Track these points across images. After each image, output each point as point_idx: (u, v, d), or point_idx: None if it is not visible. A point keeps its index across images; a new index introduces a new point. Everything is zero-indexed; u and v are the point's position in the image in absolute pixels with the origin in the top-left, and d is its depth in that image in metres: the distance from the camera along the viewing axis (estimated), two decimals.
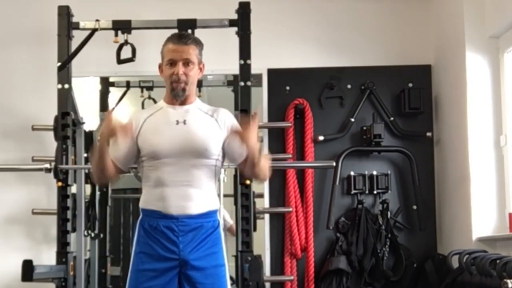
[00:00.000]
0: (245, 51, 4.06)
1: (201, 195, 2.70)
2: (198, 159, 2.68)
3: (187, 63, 2.71)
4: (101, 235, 4.79)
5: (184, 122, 2.72)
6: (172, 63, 2.71)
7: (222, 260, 2.73)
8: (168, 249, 2.66)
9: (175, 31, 3.97)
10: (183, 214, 2.67)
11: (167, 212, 2.66)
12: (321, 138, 4.64)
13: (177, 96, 2.73)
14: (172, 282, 2.66)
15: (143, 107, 5.06)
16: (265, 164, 2.71)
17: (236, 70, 4.10)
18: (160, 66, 2.80)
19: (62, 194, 3.98)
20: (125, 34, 4.08)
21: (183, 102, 2.76)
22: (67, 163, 3.98)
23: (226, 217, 4.87)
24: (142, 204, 2.74)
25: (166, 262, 2.66)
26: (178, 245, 2.66)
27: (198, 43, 2.77)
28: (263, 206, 4.56)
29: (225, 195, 4.06)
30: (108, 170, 2.69)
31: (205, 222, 2.71)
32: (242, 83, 4.04)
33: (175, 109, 2.75)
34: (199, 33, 3.94)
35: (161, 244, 2.66)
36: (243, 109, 4.00)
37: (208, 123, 2.75)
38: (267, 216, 4.63)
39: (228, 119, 2.79)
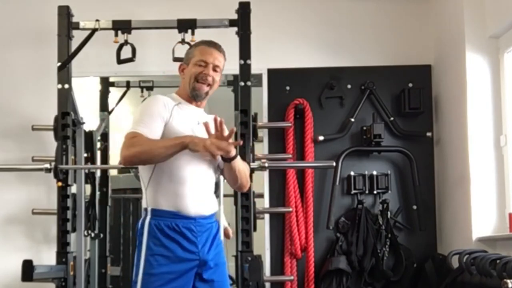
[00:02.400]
0: (245, 51, 4.06)
1: (210, 196, 2.76)
2: (211, 161, 2.70)
3: (216, 69, 2.77)
4: (101, 235, 4.79)
5: (198, 123, 2.74)
6: (204, 64, 2.75)
7: (225, 258, 2.80)
8: (188, 250, 2.65)
9: (175, 31, 4.02)
10: (199, 215, 2.68)
11: (185, 213, 2.65)
12: (321, 138, 4.64)
13: (197, 97, 2.76)
14: (189, 283, 2.65)
15: None
16: (243, 169, 2.76)
17: (236, 70, 4.09)
18: (181, 66, 2.82)
19: (62, 194, 3.98)
20: (125, 34, 4.08)
21: (199, 104, 2.81)
22: (67, 163, 3.97)
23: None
24: (152, 204, 2.68)
25: (185, 263, 2.64)
26: (198, 246, 2.66)
27: (225, 58, 2.84)
28: (263, 206, 4.55)
29: (225, 195, 4.04)
30: None
31: (213, 222, 2.76)
32: (242, 83, 4.04)
33: (192, 109, 2.79)
34: (199, 33, 3.95)
35: (180, 245, 2.64)
36: (243, 109, 4.00)
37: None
38: (267, 216, 4.63)
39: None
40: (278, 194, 4.68)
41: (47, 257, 4.35)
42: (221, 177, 3.86)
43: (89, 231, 4.50)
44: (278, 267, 4.62)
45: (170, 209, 2.65)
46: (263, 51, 4.47)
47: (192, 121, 2.73)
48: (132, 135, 2.59)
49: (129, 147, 2.57)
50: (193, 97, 2.76)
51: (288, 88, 4.75)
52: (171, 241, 2.64)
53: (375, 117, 4.59)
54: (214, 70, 2.76)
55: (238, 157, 2.70)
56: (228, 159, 2.65)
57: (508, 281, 3.11)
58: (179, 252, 2.64)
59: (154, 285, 2.60)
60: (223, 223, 4.83)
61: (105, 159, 4.96)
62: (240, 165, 2.74)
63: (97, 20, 4.08)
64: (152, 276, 2.61)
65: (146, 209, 2.70)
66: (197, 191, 2.68)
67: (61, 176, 3.94)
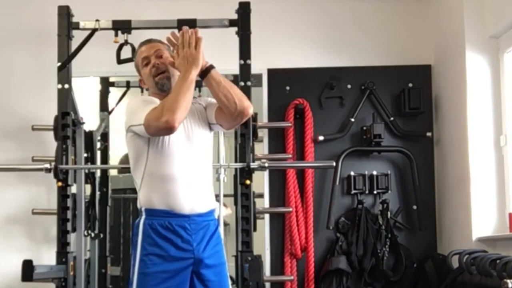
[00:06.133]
0: (245, 51, 4.06)
1: (206, 192, 2.73)
2: (202, 151, 2.71)
3: (159, 55, 2.79)
4: (101, 235, 4.79)
5: None
6: (147, 61, 2.79)
7: (224, 258, 2.77)
8: (182, 249, 2.64)
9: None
10: (194, 213, 2.66)
11: (178, 211, 2.64)
12: (321, 138, 4.64)
13: (164, 86, 2.75)
14: (185, 282, 2.64)
15: None
16: (229, 84, 2.70)
17: (236, 70, 4.10)
18: (140, 81, 2.87)
19: (62, 194, 3.98)
20: (125, 34, 4.08)
21: None
22: (67, 163, 3.97)
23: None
24: (146, 204, 2.68)
25: (180, 262, 2.63)
26: (192, 244, 2.65)
27: (162, 42, 2.87)
28: (263, 206, 4.55)
29: (225, 195, 4.06)
30: None
31: (210, 220, 2.74)
32: (242, 83, 4.04)
33: None
34: (199, 33, 3.94)
35: (174, 244, 2.63)
36: None
37: (200, 111, 2.80)
38: (267, 216, 4.63)
39: (207, 99, 2.86)
40: (278, 194, 4.68)
41: (47, 257, 4.35)
42: (221, 176, 3.88)
43: (89, 231, 4.50)
44: (278, 267, 4.62)
45: (164, 208, 2.64)
46: (263, 51, 4.47)
47: None
48: (149, 113, 2.56)
49: (163, 111, 2.51)
50: (162, 89, 2.76)
51: (288, 88, 4.75)
52: (165, 240, 2.63)
53: (375, 117, 4.59)
54: (159, 57, 2.79)
55: (216, 71, 2.66)
56: (203, 73, 2.63)
57: (508, 281, 3.11)
58: (173, 251, 2.63)
59: (149, 284, 2.61)
60: (222, 211, 4.80)
61: (105, 159, 4.96)
62: (222, 78, 2.69)
63: (97, 20, 4.08)
64: (147, 275, 2.62)
65: (140, 210, 2.70)
66: (191, 188, 2.66)
67: (61, 176, 3.93)
